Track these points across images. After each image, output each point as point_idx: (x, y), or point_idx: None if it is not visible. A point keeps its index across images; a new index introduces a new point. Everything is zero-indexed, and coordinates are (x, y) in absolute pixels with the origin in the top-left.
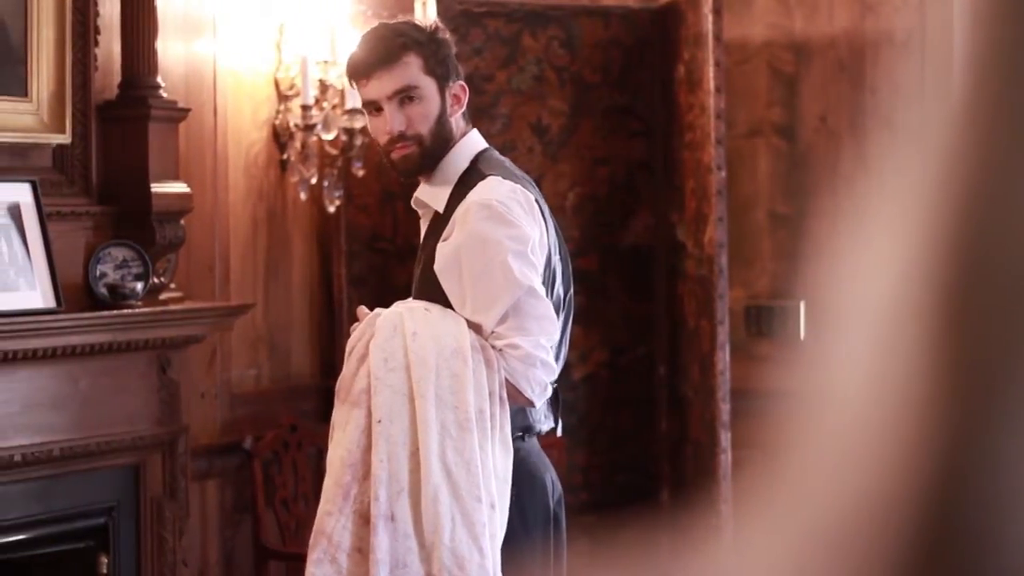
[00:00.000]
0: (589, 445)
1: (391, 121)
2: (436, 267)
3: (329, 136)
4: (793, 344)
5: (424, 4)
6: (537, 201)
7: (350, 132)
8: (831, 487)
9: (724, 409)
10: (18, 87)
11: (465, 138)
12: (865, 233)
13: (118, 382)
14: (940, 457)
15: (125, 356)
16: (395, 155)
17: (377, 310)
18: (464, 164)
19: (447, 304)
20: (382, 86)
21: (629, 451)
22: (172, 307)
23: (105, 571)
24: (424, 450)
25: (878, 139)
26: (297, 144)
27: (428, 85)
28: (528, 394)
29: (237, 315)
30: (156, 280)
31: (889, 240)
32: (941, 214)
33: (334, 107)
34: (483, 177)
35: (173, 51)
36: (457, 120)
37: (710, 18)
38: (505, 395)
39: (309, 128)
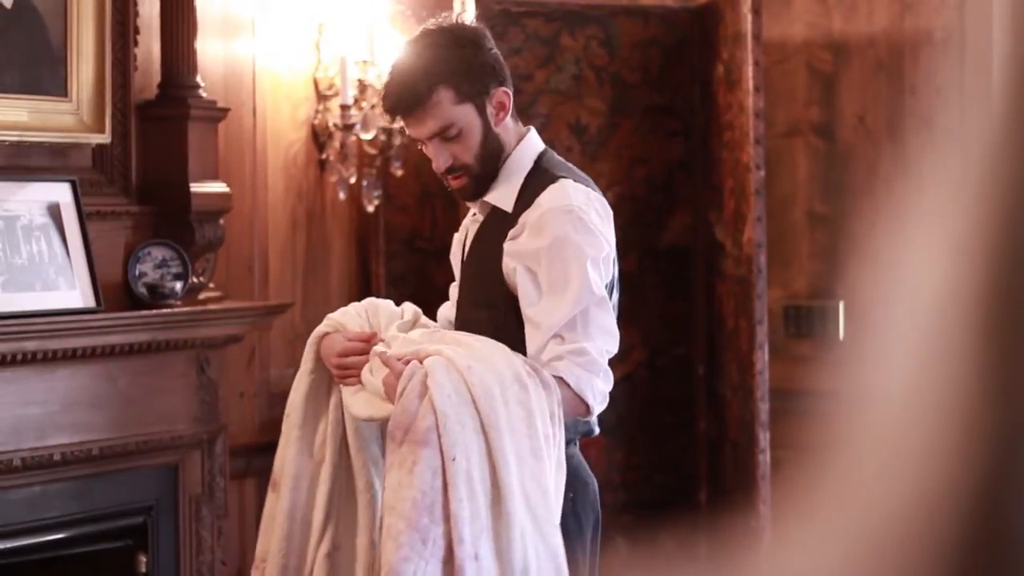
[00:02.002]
0: (627, 445)
1: (436, 159)
2: (508, 266)
3: (368, 136)
4: (832, 344)
5: (463, 3)
6: None
7: (389, 132)
8: (874, 488)
9: (763, 409)
10: (58, 87)
11: (524, 141)
12: (906, 234)
13: (157, 381)
14: (985, 459)
15: (164, 355)
16: (452, 184)
17: (418, 356)
18: (528, 164)
19: (495, 304)
20: (418, 130)
21: (667, 451)
22: (211, 307)
23: (144, 570)
24: (506, 485)
25: (917, 139)
26: (336, 144)
27: (464, 115)
28: (590, 401)
29: (276, 314)
30: (195, 280)
31: (930, 241)
32: (982, 214)
33: (373, 107)
34: (554, 179)
35: (212, 51)
36: (506, 127)
37: (749, 18)
38: (562, 414)
39: (348, 128)
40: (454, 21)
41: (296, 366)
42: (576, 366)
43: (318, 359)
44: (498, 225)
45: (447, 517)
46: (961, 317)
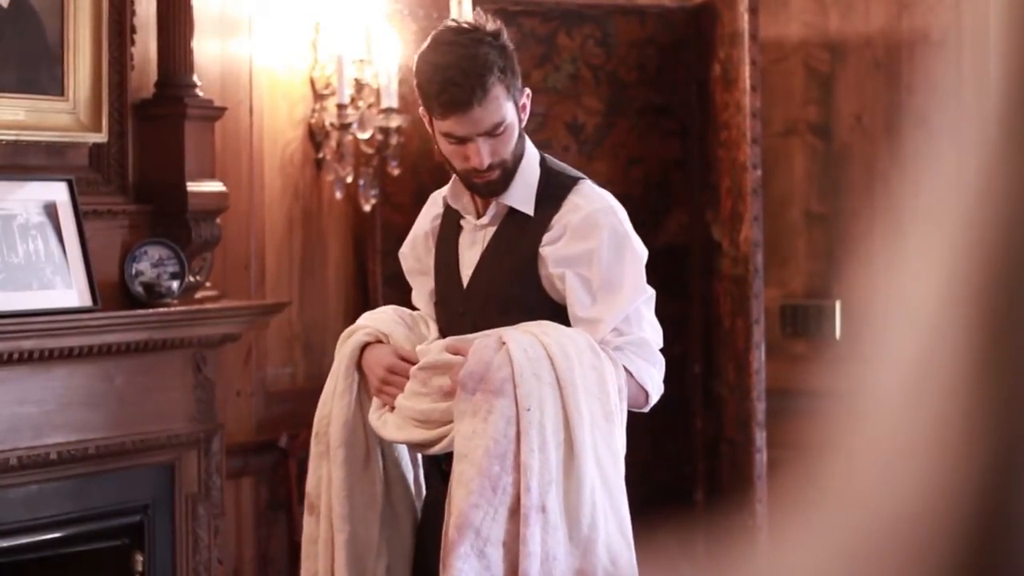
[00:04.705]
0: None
1: (481, 155)
2: (552, 272)
3: (365, 135)
4: (829, 344)
5: (460, 3)
6: None
7: (385, 131)
8: (870, 487)
9: (759, 408)
10: (55, 86)
11: (528, 143)
12: (903, 233)
13: (154, 380)
14: (982, 458)
15: (161, 354)
16: (478, 180)
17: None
18: (537, 167)
19: (533, 309)
20: (475, 125)
21: (664, 450)
22: (208, 306)
23: (140, 569)
24: (579, 441)
25: (914, 138)
26: (333, 143)
27: (510, 111)
28: (649, 389)
29: (272, 313)
30: (192, 279)
31: (927, 240)
32: (979, 213)
33: (370, 106)
34: (573, 181)
35: (209, 50)
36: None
37: (746, 17)
38: (627, 393)
39: (345, 127)
40: (480, 20)
41: (292, 365)
42: (637, 356)
43: (358, 371)
44: (520, 229)
45: (517, 467)
46: (958, 316)
